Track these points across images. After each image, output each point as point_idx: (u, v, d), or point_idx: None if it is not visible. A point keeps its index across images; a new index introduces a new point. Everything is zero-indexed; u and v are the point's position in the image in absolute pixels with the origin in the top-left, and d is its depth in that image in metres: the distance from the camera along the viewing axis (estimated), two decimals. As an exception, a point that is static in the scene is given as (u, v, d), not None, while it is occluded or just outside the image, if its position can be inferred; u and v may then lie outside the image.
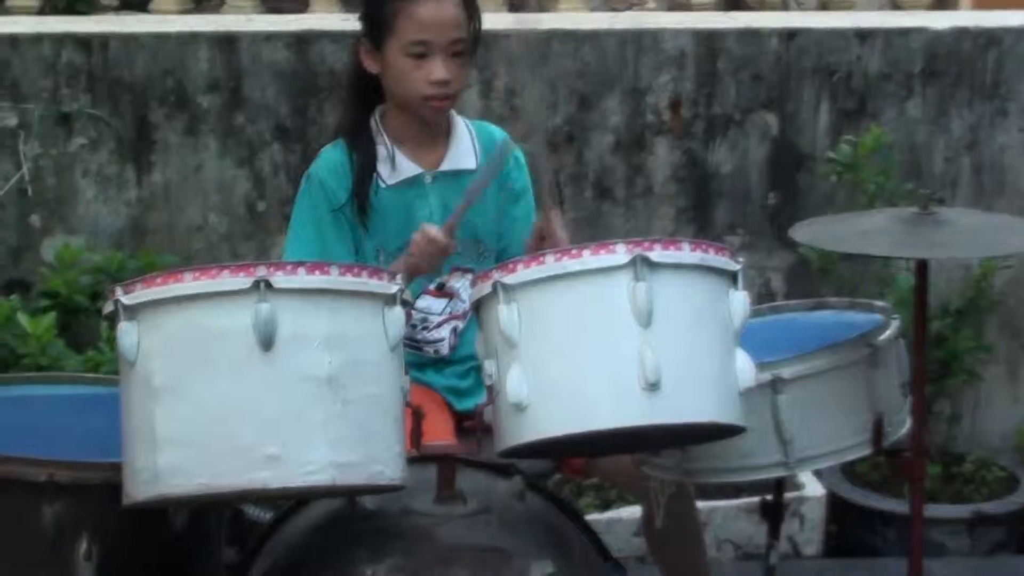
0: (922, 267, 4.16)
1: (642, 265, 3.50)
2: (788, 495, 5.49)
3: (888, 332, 4.23)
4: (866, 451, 4.19)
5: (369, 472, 3.41)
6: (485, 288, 3.61)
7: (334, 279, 3.44)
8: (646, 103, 6.32)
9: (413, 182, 4.50)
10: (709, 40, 6.39)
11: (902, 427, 4.27)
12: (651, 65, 6.30)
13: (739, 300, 3.65)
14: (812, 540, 5.98)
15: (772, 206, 6.54)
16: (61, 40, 5.87)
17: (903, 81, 6.44)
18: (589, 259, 3.54)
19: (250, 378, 3.34)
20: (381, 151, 4.47)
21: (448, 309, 4.55)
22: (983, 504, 6.20)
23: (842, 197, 6.36)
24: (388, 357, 3.50)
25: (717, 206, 6.50)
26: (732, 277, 3.66)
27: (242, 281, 3.36)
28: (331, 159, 4.51)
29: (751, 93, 6.41)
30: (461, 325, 4.58)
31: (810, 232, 4.30)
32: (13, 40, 5.84)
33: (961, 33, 6.52)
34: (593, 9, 8.28)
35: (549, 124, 6.11)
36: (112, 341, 3.52)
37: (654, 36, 6.35)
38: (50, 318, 5.46)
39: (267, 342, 3.33)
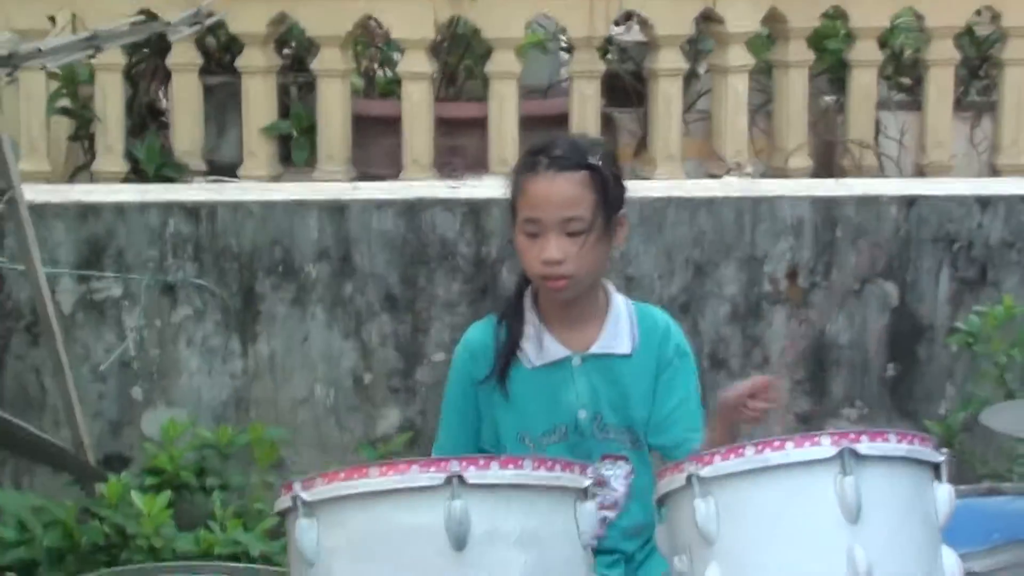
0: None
1: (849, 458, 3.41)
2: None
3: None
4: None
5: None
6: (677, 480, 3.49)
7: (527, 473, 3.38)
8: (763, 272, 6.16)
9: (560, 364, 4.34)
10: (827, 207, 6.23)
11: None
12: (768, 233, 6.15)
13: (945, 493, 3.55)
14: None
15: (891, 378, 6.40)
16: (168, 208, 5.79)
17: (1026, 249, 6.32)
18: (793, 452, 3.45)
19: (443, 578, 3.29)
20: (529, 330, 4.34)
21: (599, 499, 4.38)
22: None
23: (963, 368, 6.20)
24: (580, 555, 3.45)
25: (835, 377, 6.34)
26: (935, 468, 3.55)
27: (434, 477, 3.30)
28: (474, 336, 4.40)
29: (870, 261, 6.24)
30: (611, 516, 4.38)
31: (1002, 419, 4.11)
32: (119, 208, 5.75)
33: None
34: (688, 174, 8.28)
35: (663, 293, 5.98)
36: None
37: (771, 203, 6.20)
38: (164, 497, 5.31)
39: (460, 542, 3.26)
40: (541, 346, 4.31)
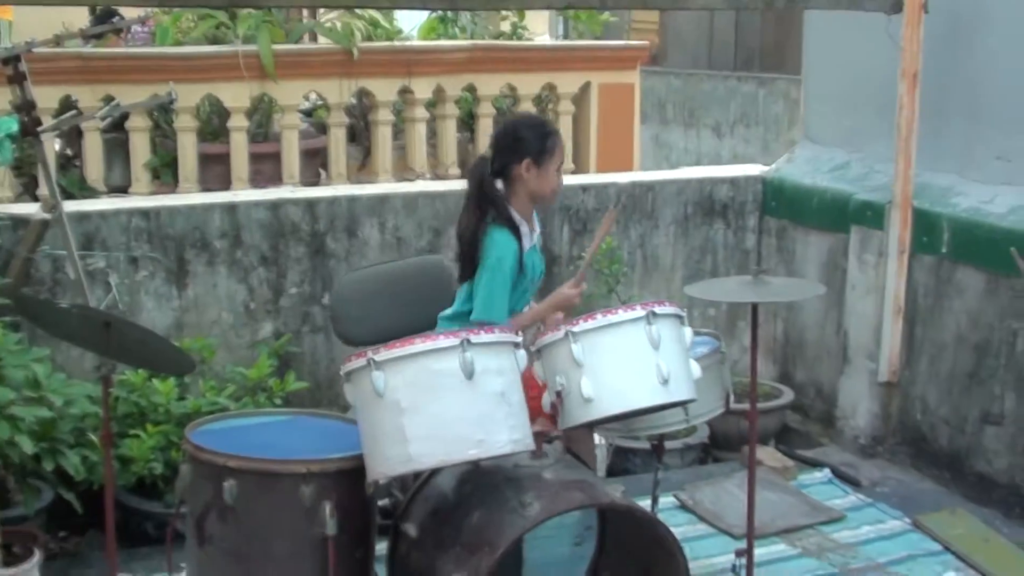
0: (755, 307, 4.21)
1: (652, 316, 3.66)
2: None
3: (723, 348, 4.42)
4: (723, 410, 4.31)
5: (525, 443, 3.49)
6: (557, 335, 3.66)
7: (498, 335, 3.49)
8: None
9: (532, 248, 4.45)
10: None
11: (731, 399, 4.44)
12: None
13: (688, 332, 3.83)
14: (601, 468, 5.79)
15: None
16: (131, 212, 5.67)
17: None
18: (622, 314, 3.67)
19: (462, 396, 3.38)
20: (523, 230, 4.39)
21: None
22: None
23: None
24: (519, 377, 3.54)
25: None
26: (682, 320, 3.81)
27: (453, 341, 3.39)
28: (510, 241, 4.30)
29: None
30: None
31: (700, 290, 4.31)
32: (102, 214, 5.63)
33: None
34: (396, 179, 8.38)
35: (416, 244, 6.03)
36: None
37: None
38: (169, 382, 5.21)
39: (470, 375, 3.37)
40: (529, 238, 4.41)
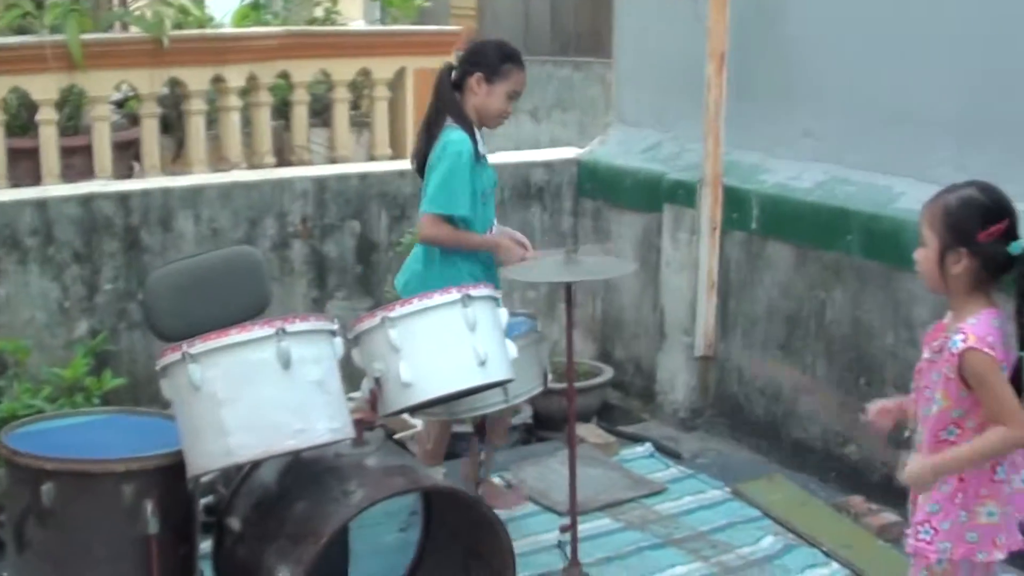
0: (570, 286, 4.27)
1: (467, 299, 3.70)
2: (405, 432, 5.48)
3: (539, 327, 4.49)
4: (541, 389, 4.40)
5: (344, 431, 3.50)
6: (373, 321, 3.67)
7: (313, 324, 3.49)
8: (287, 220, 6.13)
9: (485, 157, 4.54)
10: (319, 183, 6.23)
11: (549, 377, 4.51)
12: (289, 197, 6.09)
13: (504, 313, 3.89)
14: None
15: (359, 273, 6.33)
16: None
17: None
18: (438, 298, 3.70)
19: (279, 386, 3.38)
20: (478, 138, 4.50)
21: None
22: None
23: (399, 263, 6.26)
24: (337, 365, 3.55)
25: (329, 273, 6.28)
26: (497, 301, 3.86)
27: (268, 331, 3.38)
28: (464, 140, 4.42)
29: (343, 209, 6.26)
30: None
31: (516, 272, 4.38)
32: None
33: None
34: (211, 170, 8.23)
35: (231, 236, 5.94)
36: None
37: (281, 182, 6.20)
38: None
39: (286, 364, 3.37)
40: (481, 144, 4.50)
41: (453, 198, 4.33)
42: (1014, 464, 3.13)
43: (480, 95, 4.45)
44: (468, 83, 4.46)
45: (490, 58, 4.46)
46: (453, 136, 4.39)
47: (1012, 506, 3.14)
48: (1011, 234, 2.99)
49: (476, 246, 4.43)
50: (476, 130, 4.49)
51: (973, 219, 3.00)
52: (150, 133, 8.33)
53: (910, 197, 4.80)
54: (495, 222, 4.63)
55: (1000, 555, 3.13)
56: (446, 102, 4.46)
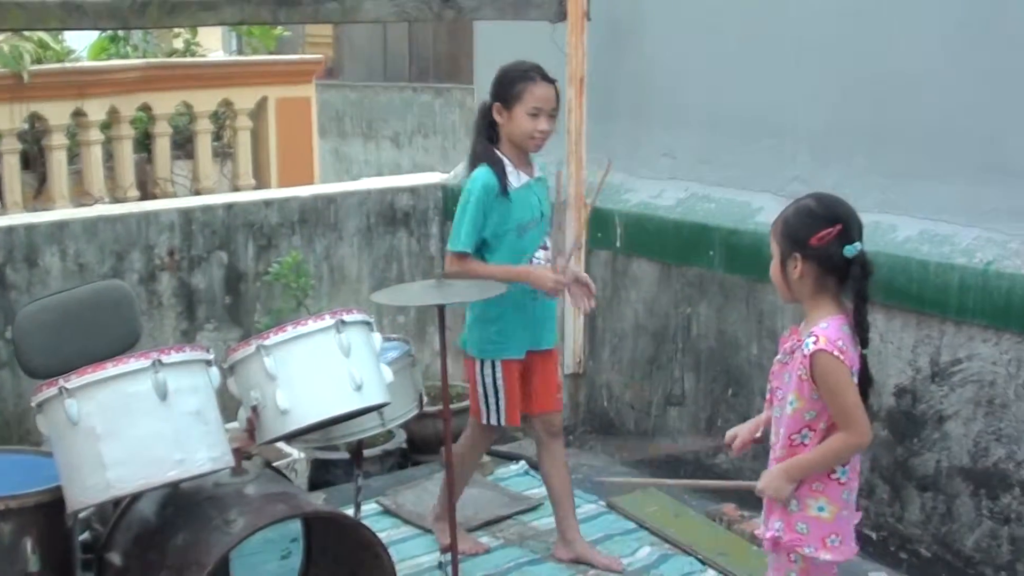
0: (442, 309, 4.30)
1: (341, 325, 3.72)
2: (282, 461, 5.50)
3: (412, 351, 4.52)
4: (417, 412, 4.40)
5: (224, 460, 3.50)
6: (248, 350, 3.67)
7: (189, 354, 3.48)
8: (155, 252, 6.09)
9: (526, 185, 4.50)
10: (185, 214, 6.19)
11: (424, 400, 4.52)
12: (154, 229, 6.06)
13: (378, 338, 3.89)
14: (303, 481, 5.74)
15: (228, 304, 6.33)
16: None
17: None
18: (312, 324, 3.72)
19: (157, 417, 3.35)
20: (508, 167, 4.46)
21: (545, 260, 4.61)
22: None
23: (268, 294, 6.33)
24: (214, 394, 3.54)
25: (198, 305, 6.26)
26: (370, 326, 3.87)
27: (144, 363, 3.36)
28: (486, 175, 4.43)
29: (210, 240, 6.25)
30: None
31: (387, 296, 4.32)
32: None
33: None
34: (72, 205, 8.12)
35: (97, 271, 5.89)
36: None
37: (147, 215, 6.13)
38: None
39: (163, 395, 3.35)
40: (517, 176, 4.47)
41: (454, 234, 4.42)
42: (855, 469, 3.25)
43: (505, 123, 4.47)
44: (493, 116, 4.49)
45: (501, 84, 4.48)
46: (473, 175, 4.45)
47: (848, 511, 3.24)
48: (846, 238, 3.11)
49: (503, 277, 4.40)
50: (518, 160, 4.52)
51: (805, 226, 3.14)
52: (11, 169, 8.22)
53: (768, 212, 4.94)
54: (543, 251, 4.64)
55: (828, 556, 3.19)
56: (472, 142, 4.57)
